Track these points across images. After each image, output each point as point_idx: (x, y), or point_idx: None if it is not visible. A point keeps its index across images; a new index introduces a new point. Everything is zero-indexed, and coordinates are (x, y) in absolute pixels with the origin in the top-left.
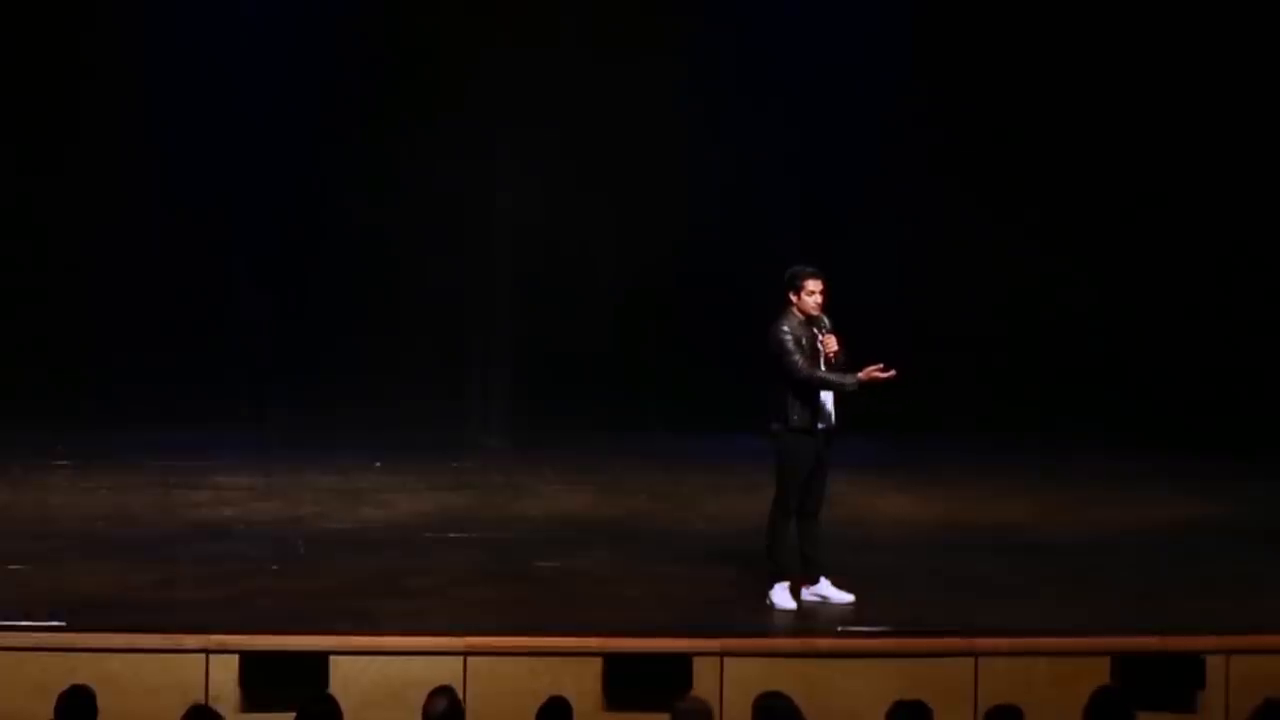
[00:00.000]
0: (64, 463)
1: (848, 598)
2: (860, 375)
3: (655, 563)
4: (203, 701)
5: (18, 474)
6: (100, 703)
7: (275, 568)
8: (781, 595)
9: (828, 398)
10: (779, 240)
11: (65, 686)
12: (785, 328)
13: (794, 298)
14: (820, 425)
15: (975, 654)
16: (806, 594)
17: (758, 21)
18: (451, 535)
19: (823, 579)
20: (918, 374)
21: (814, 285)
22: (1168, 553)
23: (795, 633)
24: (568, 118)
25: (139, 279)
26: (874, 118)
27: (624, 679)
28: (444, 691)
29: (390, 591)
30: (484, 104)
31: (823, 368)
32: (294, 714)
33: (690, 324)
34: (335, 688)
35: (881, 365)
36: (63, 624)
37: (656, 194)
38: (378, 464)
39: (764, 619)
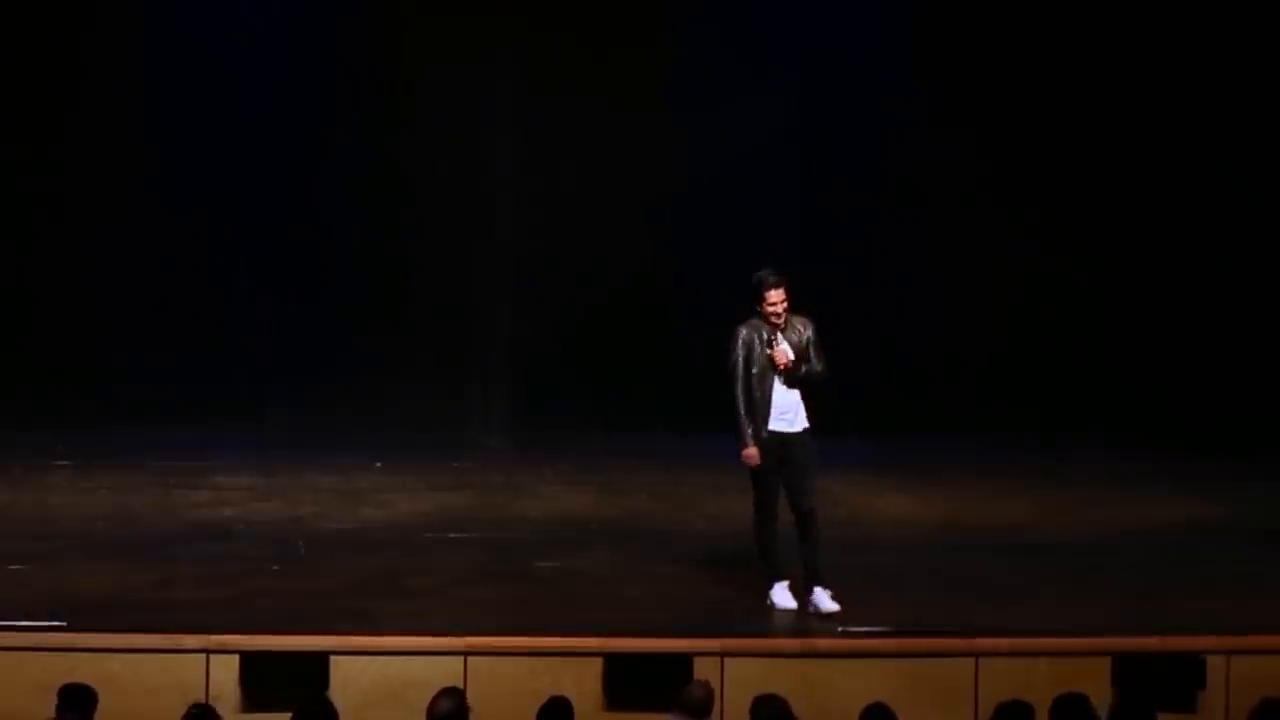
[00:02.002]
0: (64, 463)
1: (791, 605)
2: (748, 449)
3: (655, 563)
4: (203, 701)
5: (18, 474)
6: (100, 703)
7: (275, 568)
8: (782, 595)
9: (783, 402)
10: (779, 239)
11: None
12: (740, 331)
13: (757, 307)
14: (763, 432)
15: (975, 654)
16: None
17: (757, 16)
18: (451, 535)
19: (778, 583)
20: (917, 374)
21: (775, 296)
22: (1168, 553)
23: (795, 633)
24: (567, 117)
25: (139, 279)
26: (873, 117)
27: (624, 679)
28: (450, 693)
29: (390, 591)
30: (484, 103)
31: (775, 378)
32: (291, 715)
33: (691, 324)
34: (335, 688)
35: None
36: (63, 624)
37: (656, 193)
38: (378, 464)
39: (764, 619)
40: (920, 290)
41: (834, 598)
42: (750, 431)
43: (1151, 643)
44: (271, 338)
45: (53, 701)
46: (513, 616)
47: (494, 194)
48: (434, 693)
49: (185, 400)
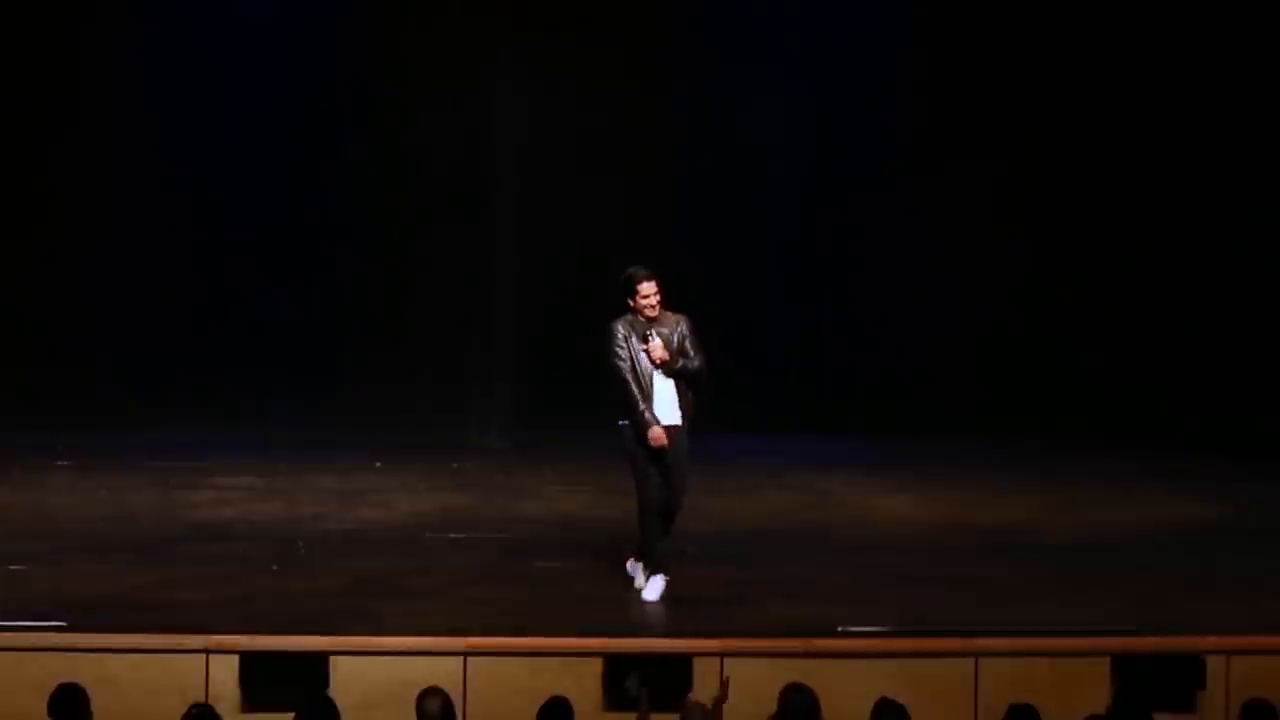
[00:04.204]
0: (64, 463)
1: (652, 597)
2: (653, 431)
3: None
4: (203, 701)
5: (18, 474)
6: (100, 703)
7: (275, 568)
8: (654, 588)
9: (658, 395)
10: (779, 240)
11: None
12: (618, 325)
13: (630, 302)
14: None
15: (975, 654)
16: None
17: (759, 17)
18: (451, 535)
19: (646, 573)
20: (917, 374)
21: (647, 289)
22: (1168, 553)
23: (795, 633)
24: (569, 117)
25: (140, 279)
26: (875, 119)
27: (624, 679)
28: (435, 692)
29: (390, 591)
30: (485, 102)
31: (648, 371)
32: (293, 715)
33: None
34: (335, 688)
35: (664, 436)
36: (63, 624)
37: (657, 193)
38: (378, 464)
39: (764, 619)
40: (920, 290)
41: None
42: (650, 416)
43: (1151, 643)
44: (271, 338)
45: None
46: (513, 616)
47: (494, 193)
48: None
49: (185, 400)
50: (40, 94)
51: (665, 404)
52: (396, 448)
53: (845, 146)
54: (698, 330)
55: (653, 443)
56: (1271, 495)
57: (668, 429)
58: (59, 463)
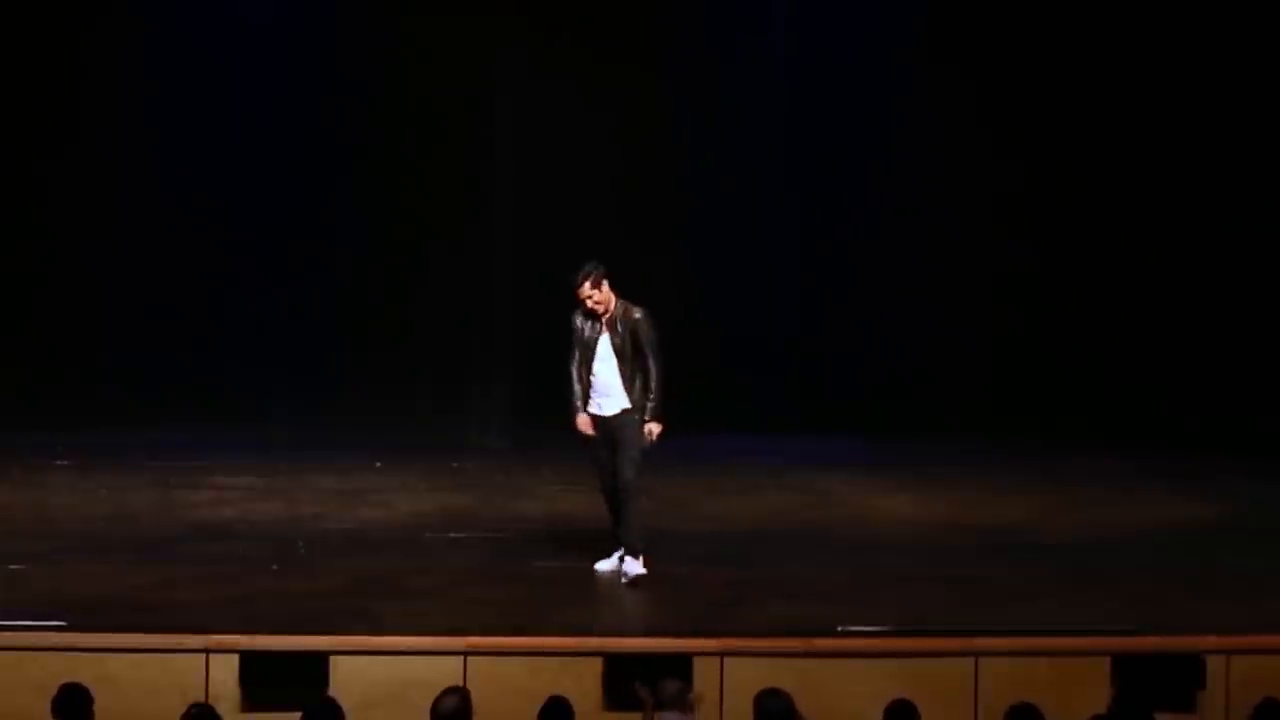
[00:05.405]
0: (64, 463)
1: (633, 571)
2: (579, 419)
3: (655, 563)
4: (203, 701)
5: (18, 474)
6: (100, 703)
7: (275, 568)
8: (633, 566)
9: (604, 384)
10: (778, 240)
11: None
12: (575, 317)
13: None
14: (590, 409)
15: (975, 654)
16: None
17: (761, 15)
18: (451, 535)
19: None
20: (917, 374)
21: (581, 293)
22: (1168, 553)
23: (795, 633)
24: (571, 118)
25: (140, 279)
26: (873, 120)
27: (624, 679)
28: (455, 691)
29: (390, 591)
30: (487, 105)
31: (590, 359)
32: (294, 714)
33: (689, 324)
34: (335, 688)
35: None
36: (63, 624)
37: (657, 194)
38: (378, 464)
39: (764, 619)
40: (920, 290)
41: (644, 564)
42: (578, 405)
43: (1151, 642)
44: (271, 338)
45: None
46: (513, 616)
47: (494, 193)
48: (434, 693)
49: (185, 400)
50: (41, 94)
51: (606, 394)
52: (396, 448)
53: (846, 147)
54: (655, 327)
55: (578, 428)
56: (1271, 495)
57: (606, 418)
58: (59, 463)
